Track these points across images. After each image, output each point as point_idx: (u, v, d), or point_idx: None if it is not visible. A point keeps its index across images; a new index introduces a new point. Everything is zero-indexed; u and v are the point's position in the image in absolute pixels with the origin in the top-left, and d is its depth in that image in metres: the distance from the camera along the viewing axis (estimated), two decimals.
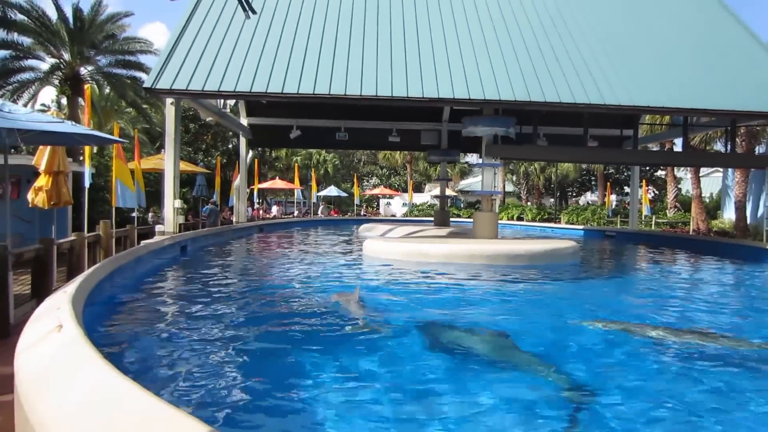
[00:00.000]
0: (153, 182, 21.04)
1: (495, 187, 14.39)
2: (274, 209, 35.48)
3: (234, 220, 20.02)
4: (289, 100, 12.45)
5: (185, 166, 21.02)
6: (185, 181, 22.72)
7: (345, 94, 11.92)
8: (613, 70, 13.26)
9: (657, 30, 15.54)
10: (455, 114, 17.89)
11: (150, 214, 20.18)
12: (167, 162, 12.17)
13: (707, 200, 31.27)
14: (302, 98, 12.05)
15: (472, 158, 37.32)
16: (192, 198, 24.43)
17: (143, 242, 10.20)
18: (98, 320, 5.16)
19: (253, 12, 2.27)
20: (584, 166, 41.53)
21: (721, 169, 29.68)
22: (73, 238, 9.02)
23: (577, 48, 14.00)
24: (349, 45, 13.33)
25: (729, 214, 25.76)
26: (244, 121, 19.23)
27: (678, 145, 25.93)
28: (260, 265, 11.04)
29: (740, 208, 23.25)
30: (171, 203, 11.93)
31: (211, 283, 8.05)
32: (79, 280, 5.18)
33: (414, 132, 19.95)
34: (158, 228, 12.59)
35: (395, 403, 3.55)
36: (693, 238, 19.48)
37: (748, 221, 23.19)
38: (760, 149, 23.75)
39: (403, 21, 14.57)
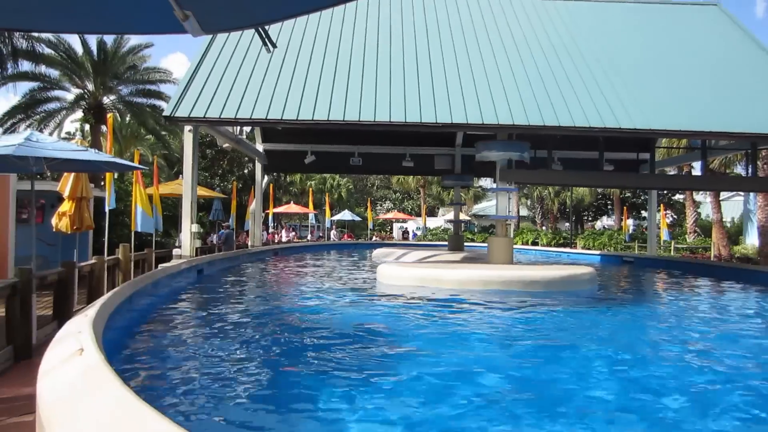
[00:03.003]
0: (171, 207, 21.35)
1: (509, 211, 14.36)
2: (284, 234, 35.40)
3: (249, 243, 20.18)
4: (303, 126, 12.67)
5: (202, 191, 21.33)
6: (202, 206, 23.04)
7: (359, 120, 12.11)
8: (628, 93, 13.30)
9: (672, 52, 15.60)
10: (469, 138, 18.01)
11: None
12: (185, 187, 12.38)
13: (728, 225, 30.85)
14: (317, 124, 12.26)
15: (486, 183, 37.36)
16: (209, 222, 24.73)
17: (161, 266, 10.33)
18: (118, 343, 5.23)
19: (274, 46, 2.38)
20: (600, 190, 41.33)
21: (742, 193, 29.31)
22: (93, 261, 9.17)
23: (590, 71, 14.09)
24: (362, 72, 13.57)
25: (752, 240, 25.33)
26: (260, 146, 19.54)
27: (697, 169, 25.72)
28: (274, 289, 11.10)
29: (764, 234, 22.84)
30: (188, 227, 12.10)
31: (227, 306, 8.12)
32: (99, 303, 5.27)
33: (427, 157, 20.10)
34: (176, 252, 12.76)
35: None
36: (714, 264, 19.16)
37: None
38: None
39: (415, 47, 14.83)
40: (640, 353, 5.90)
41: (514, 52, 14.94)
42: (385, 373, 4.77)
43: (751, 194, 24.96)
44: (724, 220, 27.25)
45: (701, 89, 14.01)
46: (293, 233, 36.23)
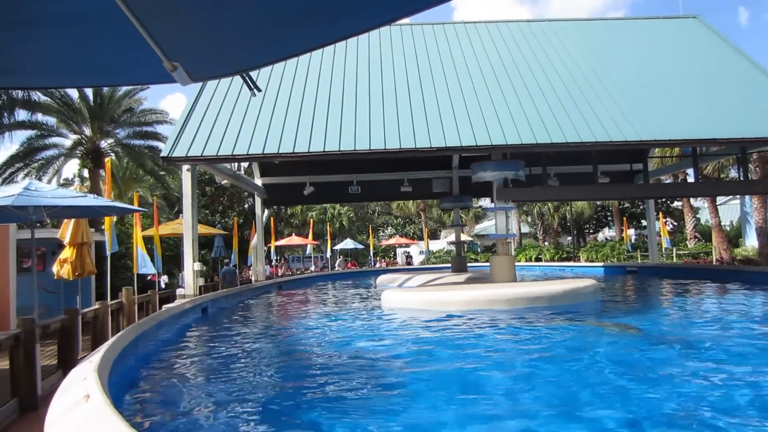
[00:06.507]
0: (172, 246, 21.40)
1: (509, 229, 14.40)
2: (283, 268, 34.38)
3: (253, 279, 20.17)
4: (300, 158, 12.81)
5: (203, 229, 21.38)
6: (204, 244, 23.07)
7: (355, 150, 12.25)
8: (617, 107, 13.49)
9: (658, 65, 15.86)
10: (465, 160, 18.17)
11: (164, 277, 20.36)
12: (186, 226, 12.45)
13: (728, 228, 30.85)
14: (313, 156, 12.40)
15: (485, 202, 37.48)
16: (211, 259, 24.74)
17: (165, 307, 10.33)
18: (124, 388, 5.22)
19: (258, 90, 2.47)
20: (599, 202, 41.43)
21: (738, 197, 29.42)
22: (97, 306, 9.20)
23: (579, 88, 14.31)
24: (355, 102, 13.79)
25: (751, 241, 25.34)
26: (259, 181, 19.70)
27: (692, 176, 25.85)
28: (280, 324, 11.06)
29: (762, 234, 22.93)
30: (191, 266, 12.12)
31: (233, 344, 8.09)
32: (103, 349, 5.28)
33: (425, 181, 20.23)
34: (179, 291, 12.76)
35: None
36: (717, 268, 19.15)
37: None
38: None
39: (406, 74, 15.08)
40: None
41: (503, 73, 15.19)
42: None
43: (747, 197, 25.06)
44: (722, 223, 27.29)
45: (688, 99, 14.22)
46: (284, 265, 35.79)
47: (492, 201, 14.46)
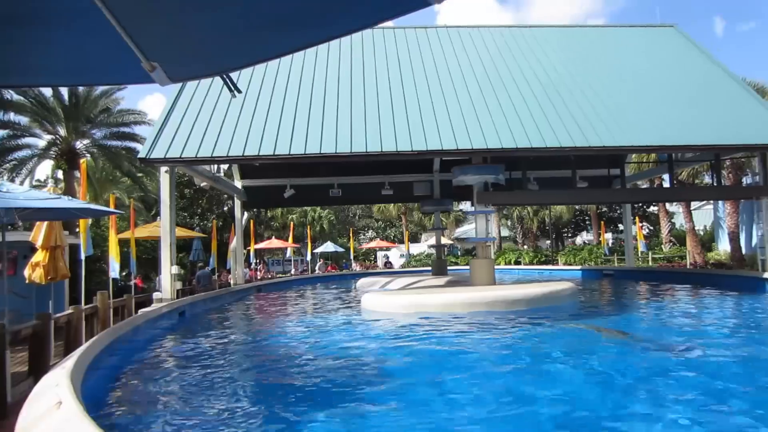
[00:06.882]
0: (150, 249, 21.06)
1: (489, 233, 14.49)
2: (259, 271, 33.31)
3: (231, 282, 19.94)
4: (281, 161, 12.72)
5: (181, 232, 21.08)
6: (182, 246, 22.75)
7: (336, 153, 12.20)
8: (596, 113, 13.69)
9: (636, 72, 16.16)
10: (446, 164, 18.24)
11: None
12: (163, 229, 12.25)
13: (701, 233, 31.51)
14: (294, 159, 12.32)
15: (466, 206, 37.70)
16: (189, 263, 24.42)
17: (141, 311, 10.14)
18: (98, 394, 5.11)
19: (239, 91, 2.44)
20: (577, 206, 42.00)
21: (712, 202, 30.09)
22: (70, 311, 8.98)
23: (558, 94, 14.48)
24: (337, 104, 13.75)
25: (724, 246, 25.92)
26: (239, 183, 19.50)
27: (667, 181, 26.35)
28: (258, 327, 10.95)
29: (734, 239, 23.44)
30: (168, 270, 11.93)
31: (211, 349, 7.98)
32: (77, 354, 5.16)
33: (406, 184, 20.26)
34: (156, 295, 12.54)
35: None
36: (690, 272, 19.52)
37: (743, 251, 23.32)
38: (747, 180, 24.16)
39: (388, 77, 15.10)
40: None
41: (485, 78, 15.30)
42: None
43: (720, 202, 25.63)
44: (696, 228, 27.85)
45: (664, 106, 14.49)
46: (263, 268, 35.43)
47: (472, 204, 14.55)
